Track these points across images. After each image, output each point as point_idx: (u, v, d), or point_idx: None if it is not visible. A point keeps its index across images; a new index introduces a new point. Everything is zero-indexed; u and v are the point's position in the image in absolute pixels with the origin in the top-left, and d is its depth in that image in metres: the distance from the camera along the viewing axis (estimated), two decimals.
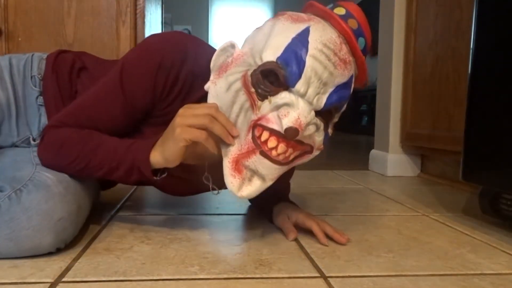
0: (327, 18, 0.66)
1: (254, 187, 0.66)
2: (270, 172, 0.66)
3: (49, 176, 0.69)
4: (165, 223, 0.89)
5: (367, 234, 0.84)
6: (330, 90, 0.64)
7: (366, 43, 0.69)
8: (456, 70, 1.37)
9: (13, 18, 1.41)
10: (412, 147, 1.70)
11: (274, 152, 0.64)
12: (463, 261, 0.69)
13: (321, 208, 1.06)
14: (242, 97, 0.64)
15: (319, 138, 0.68)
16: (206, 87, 0.68)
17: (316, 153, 0.71)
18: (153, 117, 0.74)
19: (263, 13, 6.54)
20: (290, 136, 0.61)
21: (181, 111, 0.65)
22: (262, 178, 0.66)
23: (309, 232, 0.79)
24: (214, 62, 0.68)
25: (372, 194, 1.30)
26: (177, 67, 0.70)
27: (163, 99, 0.72)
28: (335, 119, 0.72)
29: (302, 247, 0.74)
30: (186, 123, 0.63)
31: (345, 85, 0.65)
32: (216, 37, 6.51)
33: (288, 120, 0.61)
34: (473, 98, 0.92)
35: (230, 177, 0.65)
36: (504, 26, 0.84)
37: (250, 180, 0.67)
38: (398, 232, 0.87)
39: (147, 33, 1.48)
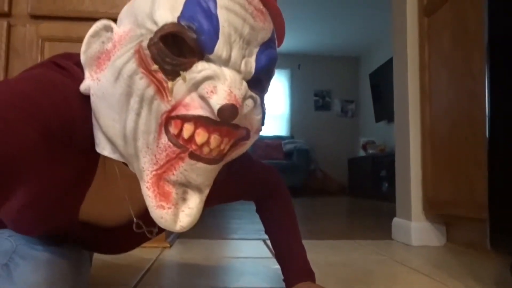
0: None
1: (192, 206, 0.48)
2: (205, 177, 0.48)
3: (34, 246, 0.61)
4: None
5: None
6: (256, 50, 0.48)
7: None
8: (473, 135, 1.37)
9: None
10: (435, 214, 1.65)
11: (206, 149, 0.46)
12: None
13: (343, 281, 1.02)
14: (141, 82, 0.44)
15: (257, 117, 0.51)
16: (83, 88, 0.49)
17: (254, 138, 0.53)
18: None
19: (280, 85, 6.77)
20: (227, 117, 0.44)
21: None
22: (198, 189, 0.49)
23: None
24: (86, 54, 0.49)
25: (397, 265, 1.25)
26: None
27: None
28: (267, 91, 0.53)
29: None
30: None
31: (270, 42, 0.50)
32: None
33: (218, 97, 0.43)
34: (494, 162, 0.91)
35: (157, 211, 0.46)
36: None
37: (184, 200, 0.48)
38: None
39: None
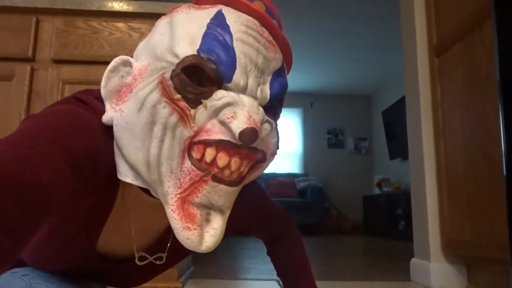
0: (232, 2, 0.51)
1: (216, 227, 0.50)
2: (227, 199, 0.50)
3: (49, 285, 0.60)
4: None
5: None
6: (269, 78, 0.51)
7: (278, 21, 0.56)
8: (491, 174, 1.35)
9: None
10: (455, 255, 1.60)
11: (227, 172, 0.48)
12: None
13: None
14: (164, 111, 0.46)
15: (273, 140, 0.54)
16: (105, 119, 0.51)
17: (270, 161, 0.56)
18: None
19: (293, 123, 6.83)
20: (248, 140, 0.46)
21: None
22: (220, 211, 0.50)
23: None
24: (105, 88, 0.51)
25: None
26: None
27: None
28: (279, 117, 0.56)
29: None
30: None
31: (280, 71, 0.53)
32: None
33: (239, 121, 0.46)
34: None
35: (183, 232, 0.47)
36: None
37: (208, 221, 0.50)
38: None
39: None
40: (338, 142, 6.87)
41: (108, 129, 0.51)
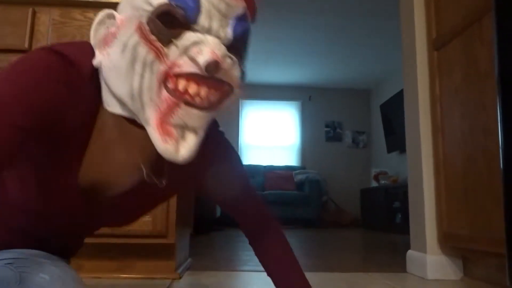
0: None
1: (190, 143, 0.60)
2: (199, 122, 0.61)
3: (39, 274, 0.64)
4: None
5: None
6: (231, 22, 0.61)
7: None
8: (488, 168, 1.36)
9: None
10: (451, 248, 1.61)
11: (198, 99, 0.58)
12: None
13: None
14: (143, 50, 0.57)
15: (236, 74, 0.63)
16: (95, 63, 0.61)
17: (237, 93, 0.66)
18: None
19: (291, 116, 6.83)
20: (211, 70, 0.56)
21: None
22: (194, 131, 0.61)
23: None
24: (95, 38, 0.62)
25: None
26: None
27: None
28: (244, 58, 0.67)
29: None
30: None
31: (243, 17, 0.63)
32: (247, 138, 6.76)
33: (204, 56, 0.56)
34: (510, 196, 0.90)
35: (162, 144, 0.58)
36: None
37: (183, 138, 0.60)
38: None
39: None
40: (336, 135, 6.87)
41: (85, 77, 0.62)
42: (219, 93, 0.62)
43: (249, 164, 6.46)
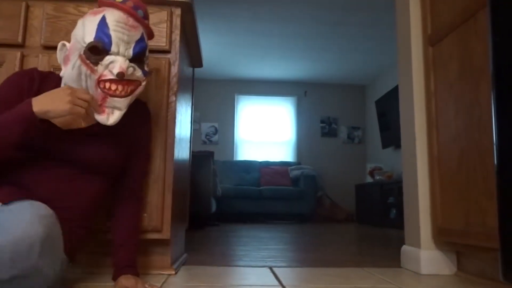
0: (113, 6, 1.13)
1: (115, 115, 1.13)
2: (121, 104, 1.13)
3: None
4: None
5: None
6: (133, 45, 1.12)
7: (143, 13, 1.19)
8: (483, 164, 1.36)
9: None
10: (445, 243, 1.62)
11: (117, 92, 1.11)
12: None
13: None
14: (83, 68, 1.09)
15: (139, 74, 1.16)
16: (61, 74, 1.14)
17: (143, 83, 1.19)
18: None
19: (286, 111, 6.82)
20: (120, 76, 1.08)
21: (69, 87, 1.06)
22: (119, 109, 1.13)
23: None
24: (59, 59, 1.15)
25: None
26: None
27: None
28: (147, 61, 1.20)
29: None
30: (76, 95, 1.02)
31: (140, 40, 1.15)
32: (242, 133, 6.75)
33: (115, 69, 1.08)
34: (504, 192, 0.91)
35: (99, 117, 1.11)
36: None
37: (112, 113, 1.13)
38: None
39: (177, 132, 1.56)
40: (331, 131, 6.88)
41: (49, 77, 1.21)
42: (131, 87, 1.15)
43: (245, 160, 6.46)
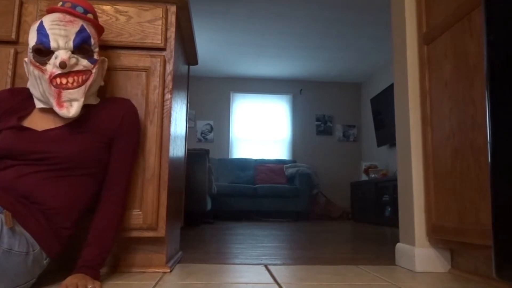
0: (52, 11, 1.23)
1: (75, 107, 1.20)
2: (77, 95, 1.21)
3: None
4: None
5: None
6: (73, 37, 1.20)
7: (84, 9, 1.27)
8: (476, 162, 1.37)
9: None
10: (440, 240, 1.63)
11: (69, 84, 1.19)
12: None
13: None
14: (36, 71, 1.19)
15: (85, 63, 1.23)
16: (28, 85, 1.27)
17: (94, 71, 1.25)
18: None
19: (282, 109, 6.82)
20: (62, 66, 1.16)
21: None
22: (76, 100, 1.21)
23: None
24: (26, 72, 1.26)
25: None
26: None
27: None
28: (95, 50, 1.27)
29: None
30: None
31: (81, 31, 1.22)
32: (238, 131, 6.74)
33: (58, 61, 1.17)
34: (497, 190, 0.91)
35: (60, 110, 1.19)
36: None
37: (71, 105, 1.20)
38: None
39: (172, 130, 1.56)
40: (326, 129, 6.90)
41: (28, 93, 1.32)
42: (82, 77, 1.22)
43: (240, 158, 6.46)
